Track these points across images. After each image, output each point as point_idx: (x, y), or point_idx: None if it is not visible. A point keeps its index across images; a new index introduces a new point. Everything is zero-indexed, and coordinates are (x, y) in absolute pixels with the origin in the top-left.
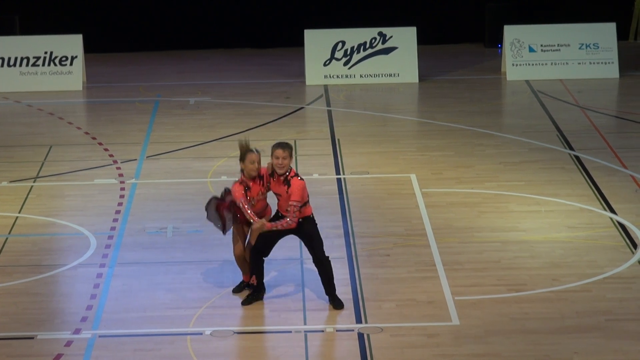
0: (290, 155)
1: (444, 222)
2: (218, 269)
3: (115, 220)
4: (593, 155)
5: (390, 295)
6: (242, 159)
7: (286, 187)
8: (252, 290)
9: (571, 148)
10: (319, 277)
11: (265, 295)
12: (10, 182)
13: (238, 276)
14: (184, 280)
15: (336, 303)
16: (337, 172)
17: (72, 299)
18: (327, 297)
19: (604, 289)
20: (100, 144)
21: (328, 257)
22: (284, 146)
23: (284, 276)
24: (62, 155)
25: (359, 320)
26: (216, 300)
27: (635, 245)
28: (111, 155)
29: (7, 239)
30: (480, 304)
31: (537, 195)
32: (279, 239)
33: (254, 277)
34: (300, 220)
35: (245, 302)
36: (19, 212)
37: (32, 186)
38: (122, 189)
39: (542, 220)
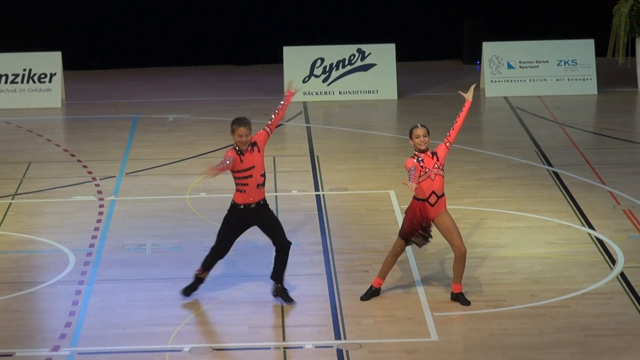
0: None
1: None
2: None
3: (94, 237)
4: (571, 172)
5: (369, 312)
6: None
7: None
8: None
9: (550, 164)
10: (278, 266)
11: (245, 312)
12: None
13: (216, 293)
14: (162, 297)
15: (288, 296)
16: (316, 189)
17: (51, 316)
18: (281, 299)
19: (582, 304)
20: (79, 160)
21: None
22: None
23: (263, 292)
24: (40, 172)
25: (337, 337)
26: (195, 317)
27: (613, 261)
28: (90, 172)
29: None
30: (459, 320)
31: (515, 211)
32: (241, 233)
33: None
34: (261, 202)
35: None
36: None
37: (10, 203)
38: (101, 205)
39: (521, 236)
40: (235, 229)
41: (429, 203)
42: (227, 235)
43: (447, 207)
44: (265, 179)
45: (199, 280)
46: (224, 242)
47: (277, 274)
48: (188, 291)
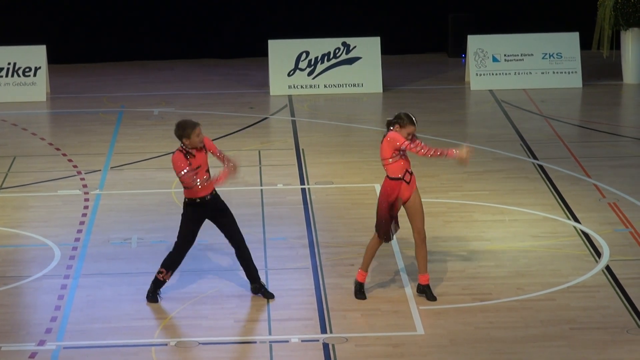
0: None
1: (409, 231)
2: (182, 280)
3: (79, 231)
4: (557, 165)
5: (355, 305)
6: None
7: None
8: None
9: (535, 157)
10: (244, 266)
11: (231, 306)
12: None
13: (202, 287)
14: None
15: (267, 293)
16: (302, 182)
17: (37, 311)
18: (261, 294)
19: (568, 297)
20: (64, 154)
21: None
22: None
23: (249, 286)
24: (25, 166)
25: (323, 330)
26: (181, 311)
27: (598, 254)
28: (75, 166)
29: None
30: (445, 314)
31: (501, 204)
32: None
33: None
34: (214, 192)
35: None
36: None
37: None
38: (86, 200)
39: (506, 229)
40: (194, 224)
41: (405, 181)
42: (187, 232)
43: (433, 199)
44: (210, 174)
45: (161, 282)
46: (185, 238)
47: (250, 275)
48: (152, 296)
